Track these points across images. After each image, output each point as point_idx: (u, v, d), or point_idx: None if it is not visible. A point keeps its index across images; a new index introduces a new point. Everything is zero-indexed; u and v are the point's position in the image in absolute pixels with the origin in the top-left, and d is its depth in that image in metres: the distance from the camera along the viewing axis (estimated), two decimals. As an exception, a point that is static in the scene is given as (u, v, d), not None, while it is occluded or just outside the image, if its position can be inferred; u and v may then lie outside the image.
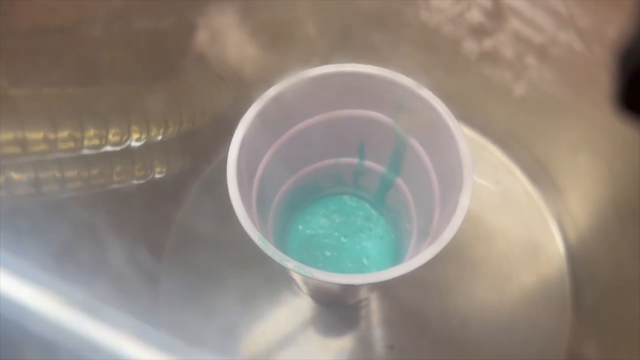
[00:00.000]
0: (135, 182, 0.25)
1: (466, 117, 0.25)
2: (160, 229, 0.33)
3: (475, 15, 0.23)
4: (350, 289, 0.29)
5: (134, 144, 0.24)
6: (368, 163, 0.31)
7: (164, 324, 0.33)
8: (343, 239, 0.32)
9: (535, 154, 0.34)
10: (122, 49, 0.22)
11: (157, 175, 0.26)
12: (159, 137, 0.24)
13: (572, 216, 0.33)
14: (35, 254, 0.19)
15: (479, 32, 0.24)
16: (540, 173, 0.35)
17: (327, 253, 0.32)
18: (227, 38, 0.21)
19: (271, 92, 0.24)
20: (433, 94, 0.25)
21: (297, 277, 0.30)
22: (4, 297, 0.20)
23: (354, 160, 0.31)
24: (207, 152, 0.29)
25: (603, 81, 0.24)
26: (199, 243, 0.34)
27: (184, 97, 0.26)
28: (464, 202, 0.23)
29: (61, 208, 0.23)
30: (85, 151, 0.22)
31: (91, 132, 0.21)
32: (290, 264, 0.22)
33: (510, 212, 0.35)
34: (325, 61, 0.23)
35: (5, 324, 0.19)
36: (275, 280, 0.34)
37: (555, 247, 0.34)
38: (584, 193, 0.32)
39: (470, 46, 0.25)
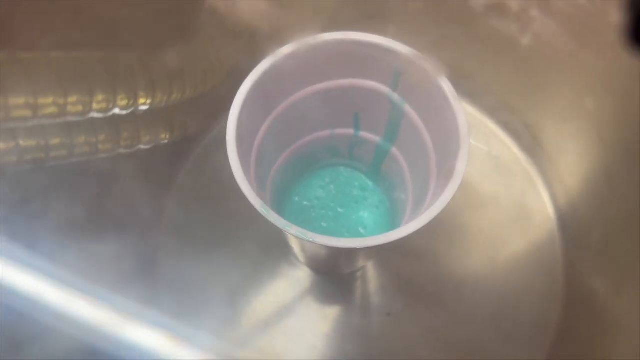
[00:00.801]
0: (142, 147, 0.25)
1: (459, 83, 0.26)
2: (159, 194, 0.33)
3: None
4: (348, 255, 0.30)
5: (141, 107, 0.24)
6: (363, 134, 0.31)
7: (163, 295, 0.33)
8: (339, 209, 0.33)
9: (525, 121, 0.35)
10: (138, 5, 0.22)
11: (163, 142, 0.26)
12: (163, 104, 0.24)
13: (562, 181, 0.34)
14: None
15: None
16: (530, 140, 0.35)
17: (324, 224, 0.32)
18: None
19: (267, 62, 0.24)
20: (431, 62, 0.25)
21: (295, 246, 0.30)
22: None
23: (349, 131, 0.31)
24: (219, 113, 0.29)
25: (603, 35, 0.25)
26: (197, 212, 0.34)
27: (196, 56, 0.26)
28: (461, 169, 0.24)
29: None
30: (94, 114, 0.22)
31: (100, 97, 0.22)
32: (292, 229, 0.22)
33: (501, 180, 0.36)
34: (335, 18, 0.23)
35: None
36: (272, 252, 0.34)
37: (546, 212, 0.34)
38: (574, 158, 0.33)
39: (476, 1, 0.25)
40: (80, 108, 0.23)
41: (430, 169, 0.27)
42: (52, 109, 0.22)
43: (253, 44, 0.26)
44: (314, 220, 0.32)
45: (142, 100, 0.24)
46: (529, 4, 0.25)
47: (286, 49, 0.24)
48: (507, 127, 0.36)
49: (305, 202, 0.33)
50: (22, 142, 0.20)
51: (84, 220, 0.24)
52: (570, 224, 0.33)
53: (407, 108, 0.28)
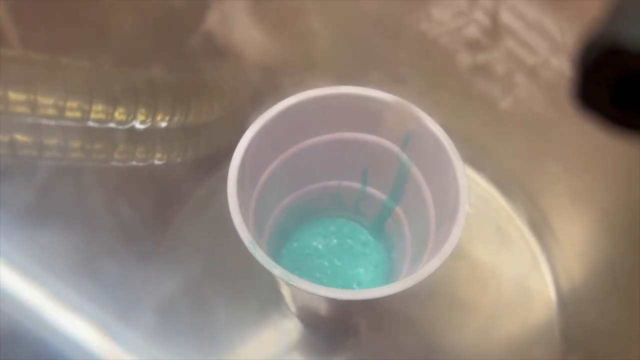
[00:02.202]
0: (134, 163, 0.26)
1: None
2: (156, 232, 0.34)
3: (472, 32, 0.24)
4: (335, 308, 0.29)
5: (138, 125, 0.25)
6: (370, 189, 0.31)
7: (141, 322, 0.33)
8: (337, 262, 0.32)
9: (537, 203, 0.35)
10: (134, 15, 0.23)
11: (157, 162, 0.27)
12: (164, 124, 0.25)
13: (567, 267, 0.33)
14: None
15: (474, 47, 0.25)
16: (539, 220, 0.35)
17: (318, 274, 0.32)
18: (235, 21, 0.22)
19: (279, 107, 0.25)
20: (440, 127, 0.25)
21: (286, 293, 0.30)
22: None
23: (357, 185, 0.31)
24: (216, 147, 0.30)
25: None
26: (192, 253, 0.34)
27: (197, 89, 0.27)
28: (456, 233, 0.23)
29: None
30: (91, 124, 0.23)
31: (99, 107, 0.23)
32: (277, 270, 0.22)
33: (506, 256, 0.35)
34: (325, 56, 0.24)
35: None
36: (264, 299, 0.34)
37: (547, 295, 0.33)
38: (581, 245, 0.32)
39: (464, 59, 0.25)
40: (102, 116, 0.24)
41: (429, 233, 0.27)
42: (76, 113, 0.23)
43: (255, 78, 0.27)
44: (309, 269, 0.32)
45: (159, 117, 0.25)
46: (514, 69, 0.25)
47: (297, 97, 0.25)
48: (516, 203, 0.36)
49: (304, 249, 0.33)
50: (19, 137, 0.21)
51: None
52: (571, 311, 0.32)
53: (414, 169, 0.28)
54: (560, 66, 0.24)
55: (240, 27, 0.22)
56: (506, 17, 0.23)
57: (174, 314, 0.33)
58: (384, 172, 0.29)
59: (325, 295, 0.22)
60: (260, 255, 0.22)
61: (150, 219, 0.31)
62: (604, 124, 0.09)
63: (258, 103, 0.25)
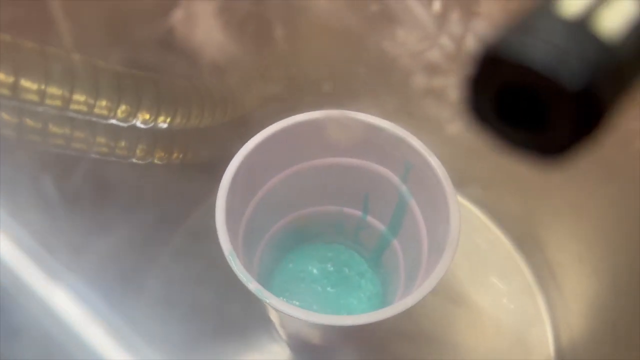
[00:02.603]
0: (134, 160, 0.27)
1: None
2: (153, 247, 0.34)
3: (435, 55, 0.23)
4: (322, 336, 0.29)
5: (140, 124, 0.25)
6: (370, 219, 0.31)
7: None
8: (330, 289, 0.32)
9: (546, 253, 0.33)
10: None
11: (157, 161, 0.27)
12: (165, 125, 0.26)
13: (570, 325, 0.31)
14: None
15: (433, 70, 0.24)
16: (547, 274, 0.34)
17: (309, 299, 0.31)
18: (199, 21, 0.22)
19: (277, 126, 0.25)
20: (439, 162, 0.25)
21: (274, 319, 0.30)
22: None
23: (358, 213, 0.31)
24: (219, 153, 0.30)
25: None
26: (183, 274, 0.34)
27: (200, 94, 0.28)
28: (439, 272, 0.23)
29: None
30: (93, 118, 0.24)
31: (103, 103, 0.23)
32: (252, 285, 0.22)
33: (508, 307, 0.34)
34: (282, 63, 0.24)
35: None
36: (254, 322, 0.33)
37: (547, 350, 0.32)
38: (587, 305, 0.31)
39: (419, 81, 0.25)
40: (105, 112, 0.25)
41: (421, 267, 0.26)
42: (82, 107, 0.24)
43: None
44: (300, 293, 0.31)
45: (161, 119, 0.26)
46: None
47: (295, 118, 0.25)
48: (524, 251, 0.35)
49: (298, 272, 0.32)
50: (52, 127, 0.23)
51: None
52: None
53: (413, 202, 0.27)
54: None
55: (203, 27, 0.22)
56: (471, 44, 0.22)
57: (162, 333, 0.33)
58: (384, 202, 0.29)
59: (299, 317, 0.21)
60: (238, 267, 0.22)
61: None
62: (495, 140, 0.09)
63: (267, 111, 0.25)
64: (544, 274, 0.34)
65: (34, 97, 0.23)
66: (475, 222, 0.36)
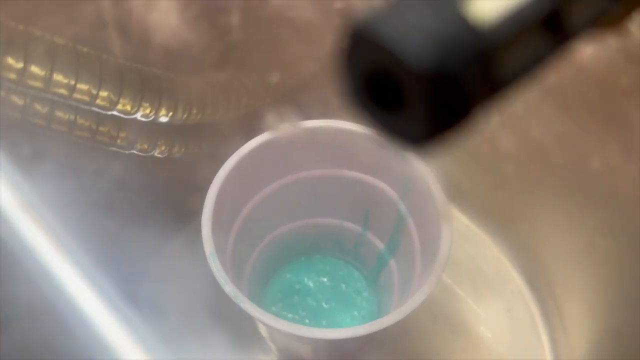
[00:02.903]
0: (135, 152, 0.27)
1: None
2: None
3: None
4: (311, 350, 0.28)
5: (140, 117, 0.26)
6: (370, 236, 0.30)
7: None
8: (324, 304, 0.31)
9: (554, 290, 0.32)
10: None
11: (157, 154, 0.28)
12: (165, 119, 0.26)
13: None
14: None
15: None
16: (554, 311, 0.32)
17: (302, 312, 0.31)
18: (158, 4, 0.22)
19: (274, 134, 0.25)
20: (436, 179, 0.24)
21: (264, 333, 0.29)
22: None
23: (357, 229, 0.30)
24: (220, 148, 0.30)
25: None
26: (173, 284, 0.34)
27: (205, 89, 0.28)
28: (425, 291, 0.22)
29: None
30: (95, 109, 0.24)
31: (105, 94, 0.24)
32: (228, 287, 0.21)
33: (512, 341, 0.32)
34: (235, 52, 0.24)
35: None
36: (249, 336, 0.32)
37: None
38: (591, 347, 0.29)
39: None
40: (107, 104, 0.26)
41: (411, 290, 0.25)
42: (84, 97, 0.25)
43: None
44: (294, 305, 0.31)
45: (163, 112, 0.26)
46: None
47: (296, 125, 0.25)
48: (533, 286, 0.33)
49: (294, 284, 0.32)
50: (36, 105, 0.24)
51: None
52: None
53: (410, 222, 0.27)
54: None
55: (160, 10, 0.22)
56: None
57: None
58: (384, 219, 0.28)
59: (271, 326, 0.21)
60: (216, 268, 0.22)
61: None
62: (370, 124, 0.08)
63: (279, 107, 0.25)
64: (550, 309, 0.32)
65: (40, 84, 0.24)
66: (485, 252, 0.35)
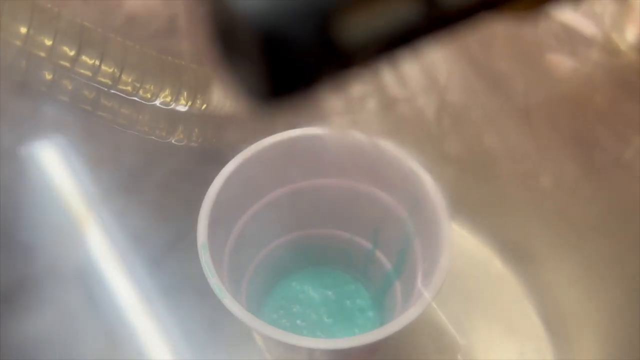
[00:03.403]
0: (153, 138, 0.28)
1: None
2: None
3: None
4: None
5: (159, 105, 0.27)
6: (379, 254, 0.29)
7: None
8: (326, 319, 0.31)
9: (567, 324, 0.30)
10: None
11: (174, 141, 0.28)
12: (184, 108, 0.27)
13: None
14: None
15: None
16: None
17: (301, 322, 0.30)
18: None
19: (278, 137, 0.25)
20: (442, 197, 0.24)
21: (259, 342, 0.29)
22: None
23: (368, 245, 0.30)
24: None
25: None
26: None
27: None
28: (421, 304, 0.22)
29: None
30: (117, 92, 0.25)
31: (129, 79, 0.25)
32: (213, 279, 0.21)
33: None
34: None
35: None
36: (245, 342, 0.32)
37: None
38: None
39: None
40: (129, 89, 0.27)
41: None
42: (107, 80, 0.26)
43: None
44: (293, 314, 0.30)
45: (181, 101, 0.27)
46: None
47: (303, 131, 0.25)
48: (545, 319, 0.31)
49: (298, 292, 0.31)
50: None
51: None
52: None
53: (417, 243, 0.26)
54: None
55: None
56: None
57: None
58: (393, 239, 0.28)
59: (273, 337, 0.21)
60: (205, 261, 0.22)
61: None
62: (226, 76, 0.07)
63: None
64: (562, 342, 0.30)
65: (89, 73, 0.25)
66: (505, 289, 0.34)
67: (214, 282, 0.21)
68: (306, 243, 0.30)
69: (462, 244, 0.33)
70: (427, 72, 0.25)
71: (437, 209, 0.23)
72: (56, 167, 0.29)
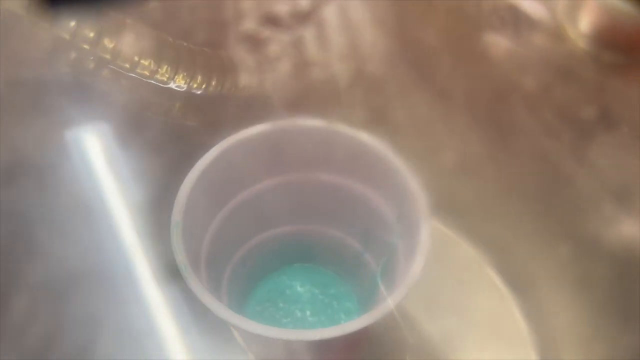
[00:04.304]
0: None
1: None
2: None
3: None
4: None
5: (175, 87, 0.28)
6: (369, 257, 0.29)
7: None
8: (310, 317, 0.30)
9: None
10: None
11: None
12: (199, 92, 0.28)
13: None
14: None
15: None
16: None
17: (285, 319, 0.30)
18: None
19: (262, 128, 0.25)
20: (427, 206, 0.23)
21: (238, 339, 0.29)
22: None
23: (358, 247, 0.29)
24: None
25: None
26: None
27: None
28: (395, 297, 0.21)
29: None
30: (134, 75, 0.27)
31: (146, 62, 0.26)
32: (179, 257, 0.21)
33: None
34: None
35: None
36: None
37: None
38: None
39: None
40: (146, 73, 0.28)
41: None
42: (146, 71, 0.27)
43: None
44: (277, 309, 0.30)
45: (195, 85, 0.28)
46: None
47: (273, 125, 0.24)
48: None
49: (284, 288, 0.31)
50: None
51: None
52: None
53: (399, 248, 0.25)
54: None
55: None
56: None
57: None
58: (380, 243, 0.27)
59: (221, 317, 0.20)
60: (176, 239, 0.22)
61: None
62: None
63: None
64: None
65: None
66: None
67: (180, 259, 0.21)
68: (297, 239, 0.30)
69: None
70: (351, 39, 0.24)
71: (419, 214, 0.23)
72: (98, 154, 0.30)
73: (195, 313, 0.23)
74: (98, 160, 0.30)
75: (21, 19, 0.23)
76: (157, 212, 0.25)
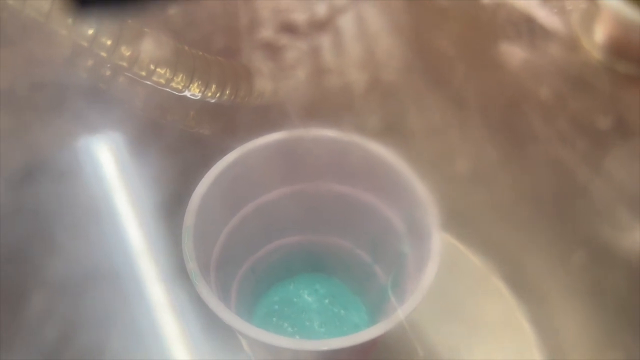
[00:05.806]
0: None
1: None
2: None
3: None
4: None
5: (190, 95, 0.28)
6: (378, 269, 0.29)
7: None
8: (317, 327, 0.30)
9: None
10: None
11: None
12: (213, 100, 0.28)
13: None
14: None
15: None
16: None
17: (291, 328, 0.30)
18: None
19: (278, 136, 0.25)
20: (436, 215, 0.23)
21: (245, 346, 0.29)
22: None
23: (367, 259, 0.29)
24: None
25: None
26: None
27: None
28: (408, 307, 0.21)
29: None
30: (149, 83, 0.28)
31: (162, 70, 0.27)
32: (190, 264, 0.21)
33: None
34: None
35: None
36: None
37: None
38: None
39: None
40: (162, 81, 0.28)
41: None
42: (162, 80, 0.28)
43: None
44: (285, 317, 0.30)
45: (210, 93, 0.28)
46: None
47: (289, 135, 0.25)
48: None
49: (293, 296, 0.31)
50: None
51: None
52: None
53: (409, 259, 0.25)
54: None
55: None
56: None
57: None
58: (390, 255, 0.27)
59: (227, 322, 0.21)
60: (186, 244, 0.22)
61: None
62: None
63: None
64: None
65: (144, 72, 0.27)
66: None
67: (191, 266, 0.21)
68: (307, 248, 0.30)
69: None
70: (367, 47, 0.24)
71: (430, 224, 0.23)
72: (113, 159, 0.30)
73: (204, 316, 0.23)
74: (113, 164, 0.30)
75: (42, 25, 0.24)
76: (169, 216, 0.25)
